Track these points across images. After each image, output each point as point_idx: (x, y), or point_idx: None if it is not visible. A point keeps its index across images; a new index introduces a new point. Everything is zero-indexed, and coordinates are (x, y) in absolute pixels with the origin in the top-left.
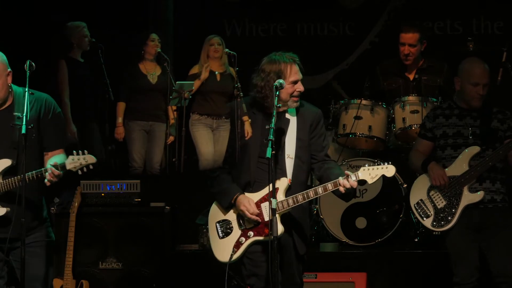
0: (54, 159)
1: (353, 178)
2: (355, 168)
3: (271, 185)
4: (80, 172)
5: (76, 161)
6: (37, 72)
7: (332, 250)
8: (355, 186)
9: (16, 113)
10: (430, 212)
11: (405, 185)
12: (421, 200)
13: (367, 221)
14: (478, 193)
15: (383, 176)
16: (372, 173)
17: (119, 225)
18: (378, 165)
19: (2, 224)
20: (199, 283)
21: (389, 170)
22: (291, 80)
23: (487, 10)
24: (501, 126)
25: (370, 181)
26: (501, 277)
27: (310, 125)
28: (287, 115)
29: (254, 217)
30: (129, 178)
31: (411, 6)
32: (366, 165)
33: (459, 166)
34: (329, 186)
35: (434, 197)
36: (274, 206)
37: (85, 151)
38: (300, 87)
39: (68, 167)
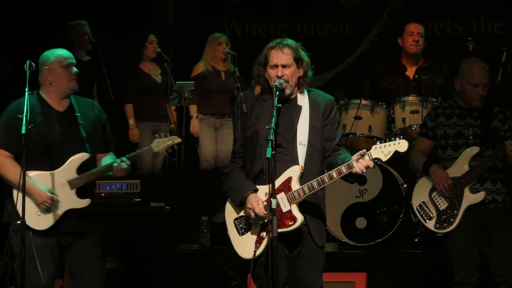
0: (106, 159)
1: (366, 157)
2: None
3: (281, 178)
4: (165, 153)
5: (161, 143)
6: (37, 72)
7: (332, 250)
8: (371, 165)
9: (77, 114)
10: (432, 214)
11: (405, 185)
12: (423, 202)
13: (367, 221)
14: (479, 193)
15: (397, 152)
16: (385, 150)
17: (119, 225)
18: (389, 141)
19: (73, 216)
20: (199, 283)
21: (401, 145)
22: (269, 64)
23: (487, 10)
24: (502, 126)
25: (384, 159)
26: (501, 276)
27: (323, 112)
28: (299, 102)
29: (260, 214)
30: (129, 178)
31: (411, 6)
32: (378, 143)
33: (459, 167)
34: (343, 168)
35: (436, 199)
36: (274, 206)
37: (167, 133)
38: (278, 72)
39: (155, 149)
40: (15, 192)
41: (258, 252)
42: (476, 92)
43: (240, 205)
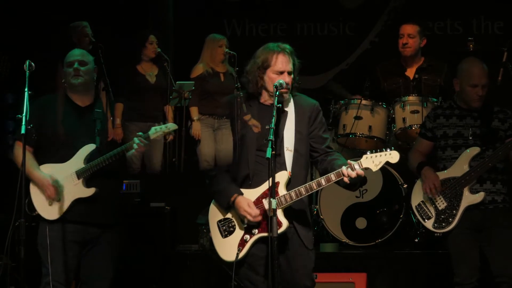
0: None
1: (356, 166)
2: None
3: (271, 182)
4: (163, 141)
5: (158, 130)
6: (37, 72)
7: (332, 250)
8: (362, 175)
9: (97, 110)
10: (431, 213)
11: (405, 185)
12: (422, 201)
13: (367, 221)
14: (479, 194)
15: (387, 163)
16: (376, 160)
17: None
18: (381, 151)
19: (90, 207)
20: (199, 283)
21: (393, 156)
22: (274, 69)
23: (487, 10)
24: (502, 125)
25: (374, 169)
26: (501, 277)
27: (309, 117)
28: (285, 107)
29: (257, 219)
30: (129, 178)
31: (411, 6)
32: (368, 152)
33: (459, 167)
34: (332, 176)
35: (435, 199)
36: (274, 206)
37: (166, 121)
38: (284, 78)
39: (152, 137)
40: (30, 184)
41: (241, 255)
42: (475, 93)
43: (227, 207)
